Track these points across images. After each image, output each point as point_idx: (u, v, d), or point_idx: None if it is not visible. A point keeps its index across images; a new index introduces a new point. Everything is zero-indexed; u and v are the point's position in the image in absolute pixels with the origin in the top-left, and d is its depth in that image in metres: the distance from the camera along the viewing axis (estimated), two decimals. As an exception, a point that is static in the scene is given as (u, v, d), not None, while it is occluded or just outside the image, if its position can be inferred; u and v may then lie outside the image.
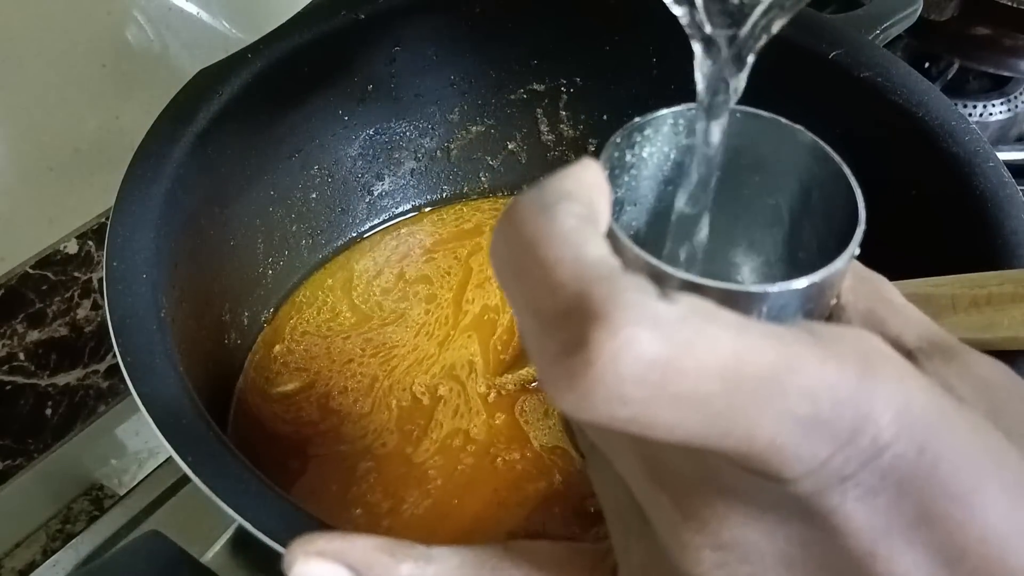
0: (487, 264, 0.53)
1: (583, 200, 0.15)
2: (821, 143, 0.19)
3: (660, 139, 0.19)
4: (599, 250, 0.14)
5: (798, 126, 0.19)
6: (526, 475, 0.43)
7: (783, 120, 0.19)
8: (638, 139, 0.19)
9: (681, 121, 0.19)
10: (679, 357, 0.12)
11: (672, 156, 0.20)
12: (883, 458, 0.13)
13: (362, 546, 0.18)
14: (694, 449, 0.14)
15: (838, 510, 0.14)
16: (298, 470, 0.43)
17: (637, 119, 0.19)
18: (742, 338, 0.13)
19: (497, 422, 0.45)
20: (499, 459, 0.43)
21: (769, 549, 0.15)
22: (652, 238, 0.21)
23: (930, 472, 0.14)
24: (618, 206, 0.19)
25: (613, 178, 0.19)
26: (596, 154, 0.17)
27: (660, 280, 0.15)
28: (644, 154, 0.19)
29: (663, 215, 0.20)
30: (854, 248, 0.16)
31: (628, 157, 0.19)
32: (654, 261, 0.16)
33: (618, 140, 0.19)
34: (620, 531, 0.19)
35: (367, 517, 0.42)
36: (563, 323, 0.13)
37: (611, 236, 0.16)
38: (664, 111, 0.19)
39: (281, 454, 0.44)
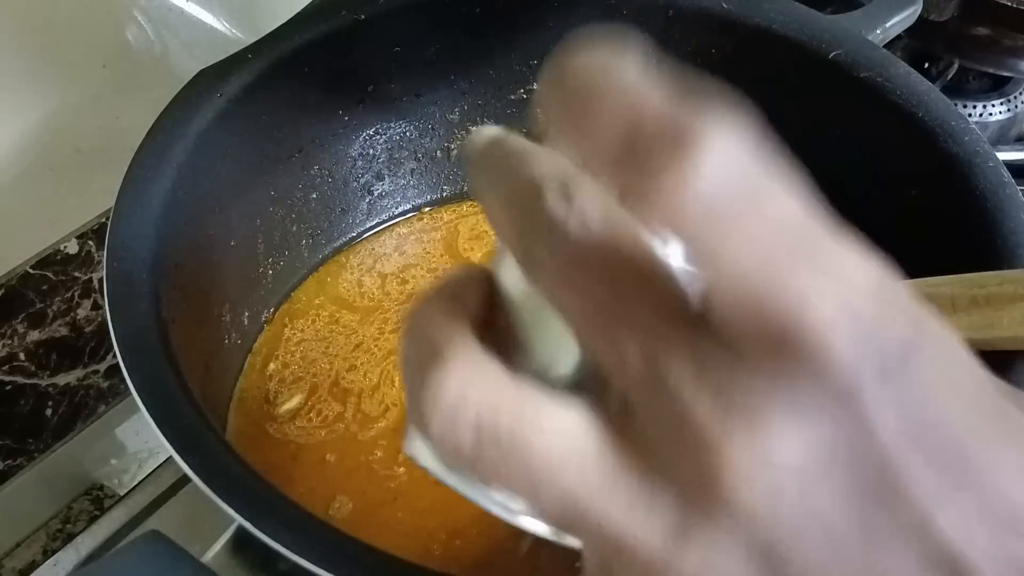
0: (477, 225, 0.55)
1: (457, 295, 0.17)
2: None
3: None
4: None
5: None
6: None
7: None
8: None
9: None
10: None
11: None
12: (923, 372, 0.14)
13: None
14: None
15: (874, 409, 0.13)
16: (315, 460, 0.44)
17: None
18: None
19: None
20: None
21: (799, 457, 0.14)
22: None
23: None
24: None
25: None
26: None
27: None
28: None
29: None
30: None
31: None
32: None
33: None
34: None
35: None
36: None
37: None
38: None
39: (291, 449, 0.44)
